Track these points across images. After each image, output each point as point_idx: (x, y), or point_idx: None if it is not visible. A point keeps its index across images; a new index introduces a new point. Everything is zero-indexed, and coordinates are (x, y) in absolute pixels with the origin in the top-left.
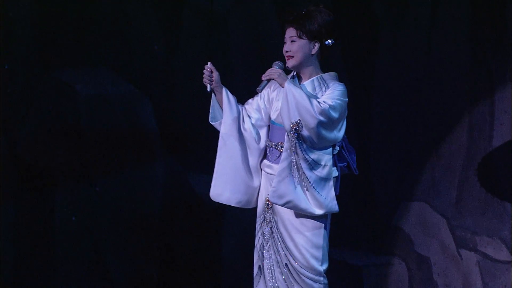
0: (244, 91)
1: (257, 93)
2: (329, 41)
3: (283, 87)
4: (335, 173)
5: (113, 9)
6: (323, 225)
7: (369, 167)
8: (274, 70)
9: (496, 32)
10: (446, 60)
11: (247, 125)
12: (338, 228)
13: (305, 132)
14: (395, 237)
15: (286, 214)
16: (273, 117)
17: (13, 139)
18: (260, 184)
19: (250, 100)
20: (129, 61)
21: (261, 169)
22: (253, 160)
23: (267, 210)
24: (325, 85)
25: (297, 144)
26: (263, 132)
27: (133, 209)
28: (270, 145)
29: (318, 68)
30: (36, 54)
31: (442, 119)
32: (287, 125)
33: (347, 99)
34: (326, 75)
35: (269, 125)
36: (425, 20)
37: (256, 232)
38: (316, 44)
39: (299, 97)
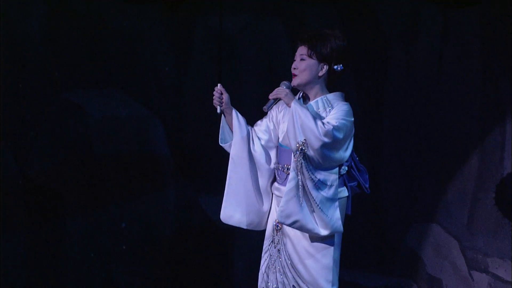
0: (255, 111)
1: (266, 114)
2: (338, 66)
3: (289, 107)
4: (346, 192)
5: (124, 31)
6: (332, 246)
7: (381, 188)
8: (282, 90)
9: (506, 53)
10: (457, 81)
11: (257, 146)
12: (350, 249)
13: (310, 152)
14: (406, 258)
15: (297, 237)
16: (280, 139)
17: (23, 161)
18: (270, 206)
19: (259, 122)
20: (140, 83)
21: (272, 192)
22: (263, 181)
23: (276, 232)
24: (330, 105)
25: (303, 164)
26: (273, 153)
27: (144, 231)
28: (277, 168)
29: (324, 89)
30: (47, 76)
31: (454, 140)
32: (293, 145)
33: (353, 119)
34: (331, 96)
35: (277, 147)
36: (436, 40)
37: (262, 254)
38: (325, 66)
39: (305, 117)
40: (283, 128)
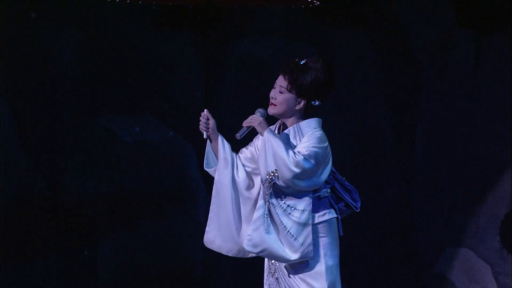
0: None
1: (251, 143)
2: (316, 102)
3: (262, 136)
4: (333, 214)
5: (155, 56)
6: (323, 269)
7: (413, 213)
8: (256, 118)
9: None
10: (489, 105)
11: (240, 173)
12: (382, 274)
13: (280, 182)
14: (439, 283)
15: (288, 264)
16: None
17: (56, 186)
18: None
19: (243, 149)
20: (172, 108)
21: None
22: (245, 209)
23: (270, 261)
24: (301, 133)
25: (272, 193)
26: (257, 181)
27: (176, 255)
28: None
29: (300, 118)
30: (80, 101)
31: (486, 165)
32: (263, 174)
33: (326, 144)
34: (303, 123)
35: None
36: (468, 65)
37: (264, 286)
38: (303, 101)
39: (277, 147)
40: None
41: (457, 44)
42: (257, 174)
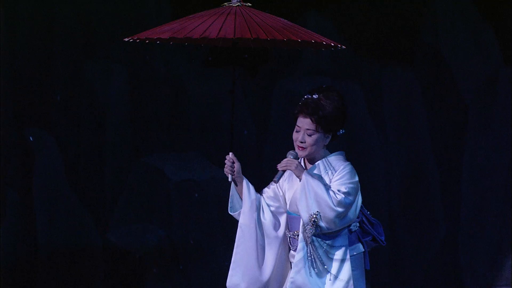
0: None
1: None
2: (341, 130)
3: (300, 179)
4: (361, 248)
5: (202, 95)
6: None
7: (458, 250)
8: (291, 161)
9: None
10: None
11: (266, 214)
12: None
13: (322, 223)
14: None
15: None
16: (287, 206)
17: (104, 226)
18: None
19: (266, 189)
20: (219, 146)
21: (289, 260)
22: (271, 249)
23: None
24: (331, 168)
25: (313, 234)
26: (282, 219)
27: None
28: (289, 235)
29: (326, 151)
30: (127, 139)
31: None
32: (305, 217)
33: (357, 178)
34: (332, 158)
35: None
36: None
37: None
38: (330, 136)
39: (318, 188)
40: (289, 195)
41: (503, 81)
42: (281, 213)
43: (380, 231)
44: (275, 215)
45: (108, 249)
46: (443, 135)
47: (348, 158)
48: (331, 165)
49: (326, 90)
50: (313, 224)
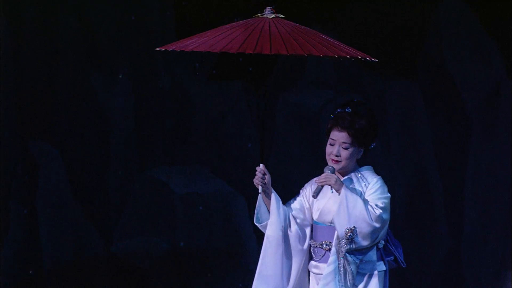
0: None
1: (299, 194)
2: (373, 144)
3: (339, 193)
4: (383, 267)
5: (207, 108)
6: None
7: (462, 263)
8: (330, 176)
9: None
10: None
11: (293, 227)
12: None
13: (359, 239)
14: None
15: None
16: (315, 217)
17: (108, 238)
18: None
19: (291, 201)
20: (224, 160)
21: (308, 271)
22: (297, 261)
23: None
24: (365, 180)
25: (347, 249)
26: (308, 231)
27: None
28: (314, 245)
29: (356, 164)
30: (131, 152)
31: None
32: (341, 231)
33: (389, 193)
34: (364, 171)
35: (311, 225)
36: None
37: None
38: (363, 149)
39: (357, 204)
40: (318, 206)
41: (506, 94)
42: (306, 225)
43: (400, 252)
44: (301, 227)
45: (113, 262)
46: (447, 148)
47: None
48: (364, 177)
49: (358, 104)
50: (348, 238)
